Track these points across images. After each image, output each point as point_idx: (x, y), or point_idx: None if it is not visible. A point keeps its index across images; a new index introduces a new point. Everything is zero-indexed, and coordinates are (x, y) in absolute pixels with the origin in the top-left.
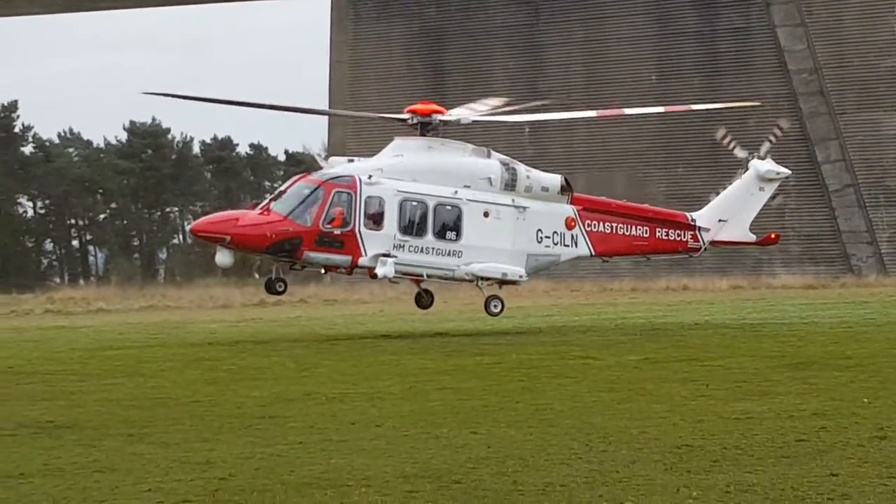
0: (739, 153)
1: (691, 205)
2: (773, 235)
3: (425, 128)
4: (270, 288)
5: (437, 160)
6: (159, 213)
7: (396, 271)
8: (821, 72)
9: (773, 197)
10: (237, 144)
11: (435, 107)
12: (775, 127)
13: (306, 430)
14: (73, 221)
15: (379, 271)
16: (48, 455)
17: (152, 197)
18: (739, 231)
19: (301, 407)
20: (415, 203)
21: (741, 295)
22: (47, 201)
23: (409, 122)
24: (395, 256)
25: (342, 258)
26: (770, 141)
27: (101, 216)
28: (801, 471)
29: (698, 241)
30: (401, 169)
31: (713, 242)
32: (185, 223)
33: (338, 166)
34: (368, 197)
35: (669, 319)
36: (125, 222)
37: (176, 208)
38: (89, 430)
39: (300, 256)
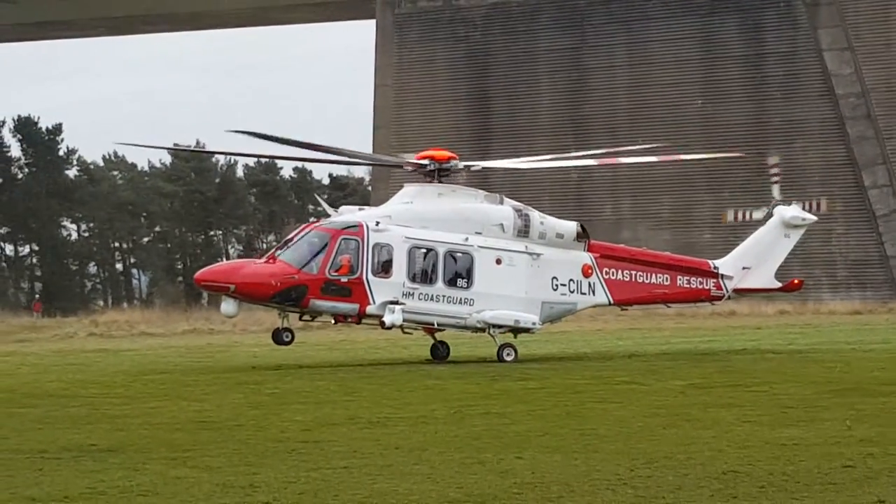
0: (776, 193)
1: (736, 230)
2: (796, 281)
3: (430, 174)
4: (277, 338)
5: (447, 206)
6: (203, 237)
7: (406, 319)
8: (868, 96)
9: (818, 206)
10: (281, 168)
11: (441, 153)
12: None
13: (350, 454)
14: (116, 244)
15: (387, 319)
16: (92, 478)
17: (196, 220)
18: (764, 278)
19: (345, 431)
20: (424, 250)
21: (788, 320)
22: (91, 224)
23: (408, 169)
24: (404, 304)
25: (349, 306)
26: (776, 182)
27: (145, 239)
28: (848, 497)
29: (721, 290)
30: (410, 216)
31: (737, 290)
32: (229, 246)
33: (346, 214)
34: (376, 244)
35: (715, 345)
36: (169, 245)
37: (220, 231)
38: (133, 454)
39: (306, 305)
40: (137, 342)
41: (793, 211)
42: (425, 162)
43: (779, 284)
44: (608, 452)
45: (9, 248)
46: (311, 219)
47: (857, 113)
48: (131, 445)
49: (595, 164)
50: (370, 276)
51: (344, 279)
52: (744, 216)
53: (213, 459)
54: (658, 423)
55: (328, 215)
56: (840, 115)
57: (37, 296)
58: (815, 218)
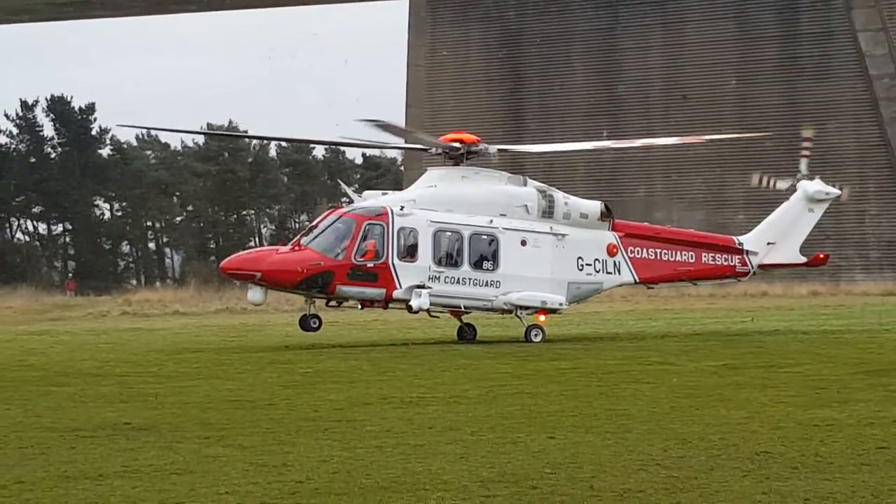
0: (803, 167)
1: (770, 210)
2: (821, 256)
3: (459, 157)
4: (305, 325)
5: (471, 190)
6: (235, 216)
7: (433, 303)
8: None
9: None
10: (314, 147)
11: (466, 136)
12: (803, 140)
13: (383, 433)
14: (149, 224)
15: (414, 303)
16: (125, 457)
17: (229, 200)
18: (789, 254)
19: (378, 411)
20: (449, 233)
21: (820, 301)
22: (124, 203)
23: (432, 152)
24: (431, 288)
25: (376, 291)
26: (805, 156)
27: (178, 219)
28: (881, 479)
29: (747, 266)
30: (434, 199)
31: (762, 266)
32: (262, 226)
33: (371, 199)
34: (401, 228)
35: (748, 325)
36: (201, 225)
37: (252, 211)
38: (166, 432)
39: (333, 291)
40: (170, 321)
41: (816, 185)
42: (457, 145)
43: (804, 259)
44: (641, 433)
45: (42, 227)
46: (344, 199)
47: (891, 94)
48: (165, 424)
49: (610, 145)
50: (396, 261)
51: (370, 264)
52: (769, 183)
53: (247, 438)
54: (691, 404)
55: (353, 200)
56: (874, 96)
57: (70, 274)
58: (838, 192)
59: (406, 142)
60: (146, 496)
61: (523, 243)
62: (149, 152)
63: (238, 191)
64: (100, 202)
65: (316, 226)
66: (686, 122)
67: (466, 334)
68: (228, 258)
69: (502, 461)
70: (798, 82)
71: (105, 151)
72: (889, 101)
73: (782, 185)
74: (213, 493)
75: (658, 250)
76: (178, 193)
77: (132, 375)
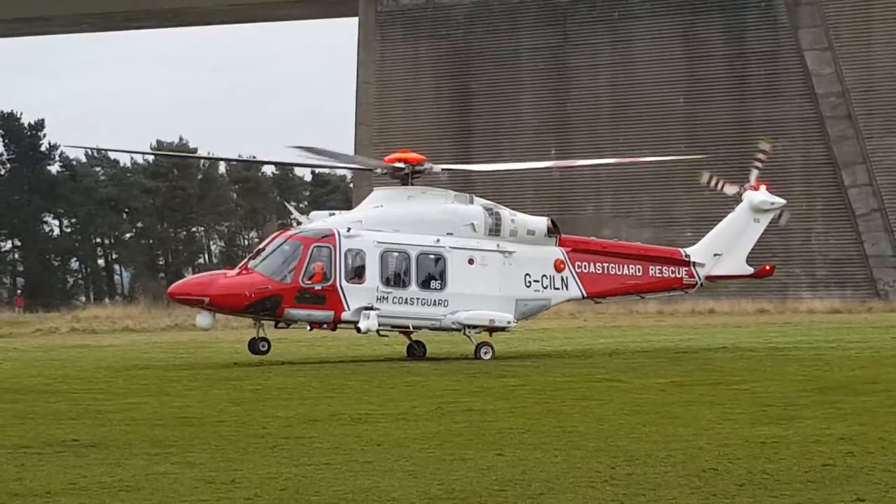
0: (752, 178)
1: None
2: (767, 267)
3: (405, 177)
4: (253, 348)
5: (417, 209)
6: (185, 233)
7: (381, 324)
8: (848, 95)
9: (779, 216)
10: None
11: (413, 155)
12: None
13: (332, 450)
14: (99, 240)
15: (362, 325)
16: (74, 474)
17: (178, 216)
18: (736, 265)
19: (327, 427)
20: (396, 254)
21: (767, 318)
22: (73, 220)
23: (377, 172)
24: (379, 309)
25: (324, 314)
26: (756, 167)
27: (127, 235)
28: (828, 496)
29: (694, 277)
30: (381, 220)
31: (709, 277)
32: (211, 243)
33: (317, 221)
34: (348, 250)
35: (695, 343)
36: (151, 241)
37: (202, 228)
38: (115, 449)
39: (281, 314)
40: (119, 338)
41: (761, 195)
42: (401, 165)
43: (751, 270)
44: (589, 450)
45: None
46: (292, 219)
47: (838, 112)
48: (113, 441)
49: (550, 165)
50: (344, 283)
51: (318, 287)
52: (717, 184)
53: (195, 455)
54: (638, 421)
55: (300, 222)
56: (820, 115)
57: (18, 291)
58: (784, 202)
59: (346, 162)
60: None
61: (470, 262)
62: (98, 169)
63: (187, 207)
64: (49, 218)
65: (263, 248)
66: (635, 141)
67: (416, 351)
68: (176, 283)
69: (451, 478)
70: (746, 101)
71: (54, 168)
72: (835, 119)
73: (730, 189)
74: None
75: (605, 264)
76: (127, 210)
77: (81, 392)
